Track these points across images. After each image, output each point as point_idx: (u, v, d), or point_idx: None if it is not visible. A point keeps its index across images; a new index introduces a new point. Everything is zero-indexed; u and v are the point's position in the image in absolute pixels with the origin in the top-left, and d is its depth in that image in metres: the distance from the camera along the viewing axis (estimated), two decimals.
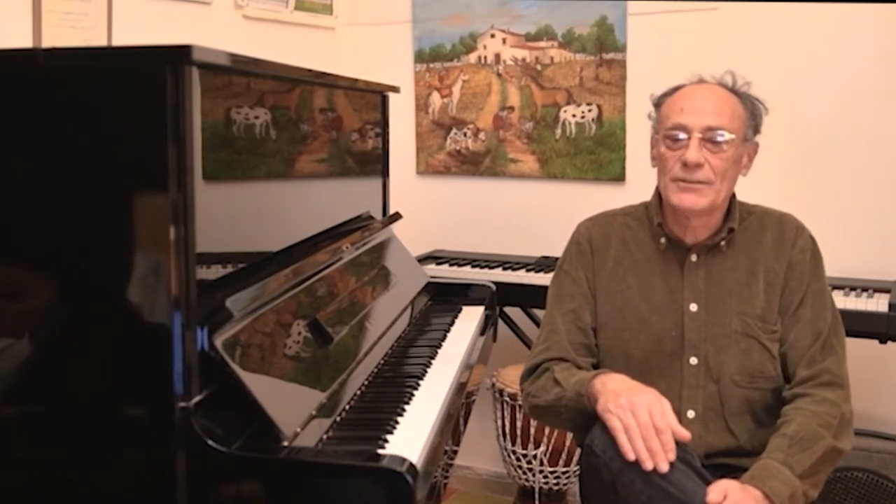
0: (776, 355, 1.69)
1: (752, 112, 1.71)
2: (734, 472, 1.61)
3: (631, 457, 1.46)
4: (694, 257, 1.73)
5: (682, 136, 1.65)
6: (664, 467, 1.44)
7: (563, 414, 1.67)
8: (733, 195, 1.75)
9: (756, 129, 1.72)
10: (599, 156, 2.92)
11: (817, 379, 1.64)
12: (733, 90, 1.72)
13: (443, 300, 2.32)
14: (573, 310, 1.78)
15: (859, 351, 2.32)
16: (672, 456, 1.45)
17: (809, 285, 1.70)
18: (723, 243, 1.72)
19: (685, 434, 1.50)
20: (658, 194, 1.77)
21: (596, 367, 1.75)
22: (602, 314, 1.77)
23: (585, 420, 1.60)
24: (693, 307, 1.71)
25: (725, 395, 1.68)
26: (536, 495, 2.73)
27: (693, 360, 1.70)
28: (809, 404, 1.61)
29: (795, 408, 1.62)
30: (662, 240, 1.75)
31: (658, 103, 1.75)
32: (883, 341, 2.31)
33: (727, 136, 1.64)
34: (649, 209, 1.79)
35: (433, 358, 1.83)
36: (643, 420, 1.47)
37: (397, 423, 1.45)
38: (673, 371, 1.71)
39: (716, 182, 1.65)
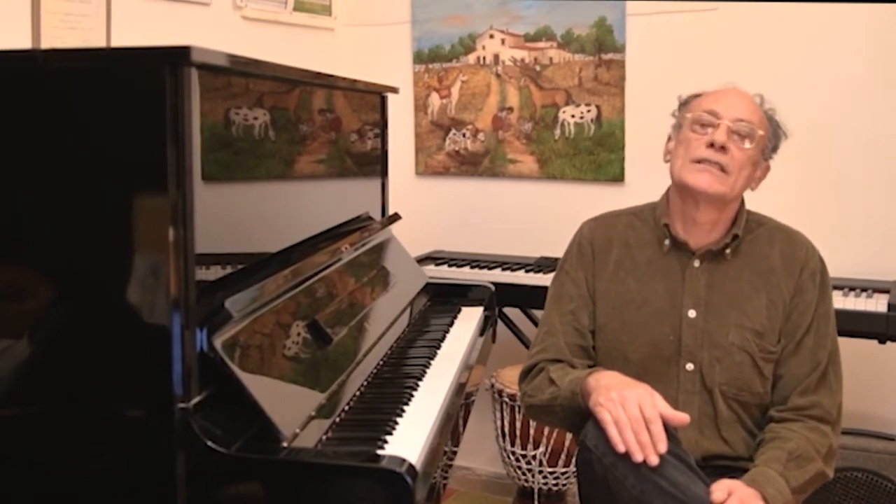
0: (767, 375, 1.69)
1: (773, 132, 1.75)
2: (731, 474, 1.61)
3: (621, 449, 1.46)
4: (696, 263, 1.73)
5: (714, 120, 1.68)
6: (654, 460, 1.44)
7: (559, 413, 1.68)
8: (742, 203, 1.76)
9: (774, 149, 1.76)
10: (598, 156, 2.92)
11: (809, 410, 1.66)
12: (761, 107, 1.76)
13: (442, 301, 2.32)
14: (571, 311, 1.79)
15: (859, 351, 2.32)
16: (662, 448, 1.45)
17: (817, 310, 1.71)
18: (727, 251, 1.72)
19: (682, 418, 1.50)
20: (667, 195, 1.78)
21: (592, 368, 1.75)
22: (601, 316, 1.77)
23: (581, 418, 1.60)
24: (692, 313, 1.71)
25: (716, 404, 1.69)
26: (536, 496, 2.73)
27: (689, 367, 1.70)
28: (802, 429, 1.63)
29: (788, 428, 1.64)
30: (666, 241, 1.75)
31: (686, 101, 1.78)
32: (882, 341, 2.31)
33: (756, 130, 1.68)
34: (657, 210, 1.79)
35: (432, 359, 1.83)
36: (633, 413, 1.47)
37: (396, 423, 1.45)
38: (669, 376, 1.71)
39: (733, 173, 1.67)
